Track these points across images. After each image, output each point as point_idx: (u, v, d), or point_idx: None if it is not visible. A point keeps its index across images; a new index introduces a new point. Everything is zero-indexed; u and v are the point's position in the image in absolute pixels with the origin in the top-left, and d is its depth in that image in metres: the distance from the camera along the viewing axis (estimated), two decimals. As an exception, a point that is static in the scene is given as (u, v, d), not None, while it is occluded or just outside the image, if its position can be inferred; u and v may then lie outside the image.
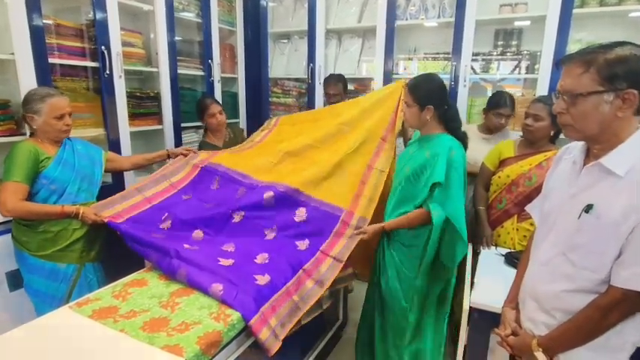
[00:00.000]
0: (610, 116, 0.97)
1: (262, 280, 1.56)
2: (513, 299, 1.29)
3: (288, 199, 1.94)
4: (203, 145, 2.67)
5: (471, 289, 1.59)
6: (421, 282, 1.80)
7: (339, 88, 2.76)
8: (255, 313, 1.41)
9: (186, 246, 1.70)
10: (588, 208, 1.00)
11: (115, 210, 1.84)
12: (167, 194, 2.02)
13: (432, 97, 1.75)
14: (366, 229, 1.84)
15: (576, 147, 1.13)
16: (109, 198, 1.90)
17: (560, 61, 1.06)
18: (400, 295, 1.84)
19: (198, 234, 1.85)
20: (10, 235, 1.82)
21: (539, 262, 1.16)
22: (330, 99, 2.77)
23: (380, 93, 2.29)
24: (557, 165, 1.21)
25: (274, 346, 1.40)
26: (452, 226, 1.68)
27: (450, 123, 1.83)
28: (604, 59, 0.95)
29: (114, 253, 2.03)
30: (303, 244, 1.82)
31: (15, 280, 1.87)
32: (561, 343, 1.08)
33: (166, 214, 1.88)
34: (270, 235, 1.87)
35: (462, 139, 1.81)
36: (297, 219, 1.91)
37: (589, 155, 1.08)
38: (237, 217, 1.93)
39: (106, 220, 1.77)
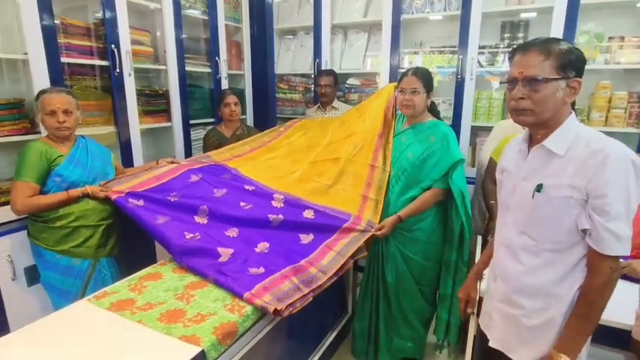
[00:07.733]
0: (561, 102, 1.06)
1: (255, 272, 1.57)
2: (478, 272, 1.48)
3: (296, 204, 1.98)
4: (210, 132, 2.74)
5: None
6: (449, 253, 1.95)
7: (330, 79, 2.91)
8: (248, 290, 1.44)
9: (188, 236, 1.71)
10: (539, 188, 1.10)
11: (125, 186, 1.88)
12: (177, 172, 2.06)
13: (432, 84, 1.96)
14: (383, 224, 1.88)
15: (520, 137, 1.22)
16: (118, 177, 1.96)
17: (518, 48, 1.10)
18: (411, 278, 1.96)
19: (203, 211, 1.85)
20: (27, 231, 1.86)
21: (504, 244, 1.23)
22: (321, 89, 2.91)
23: (377, 95, 2.37)
24: (506, 155, 1.29)
25: (270, 309, 1.37)
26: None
27: (433, 109, 2.06)
28: (559, 49, 1.03)
29: (127, 248, 2.08)
30: (306, 238, 1.83)
31: (33, 275, 1.91)
32: (577, 336, 1.09)
33: (175, 193, 1.91)
34: (276, 221, 1.87)
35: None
36: (304, 216, 1.92)
37: (532, 142, 1.17)
38: (244, 204, 1.95)
39: (113, 197, 1.81)
